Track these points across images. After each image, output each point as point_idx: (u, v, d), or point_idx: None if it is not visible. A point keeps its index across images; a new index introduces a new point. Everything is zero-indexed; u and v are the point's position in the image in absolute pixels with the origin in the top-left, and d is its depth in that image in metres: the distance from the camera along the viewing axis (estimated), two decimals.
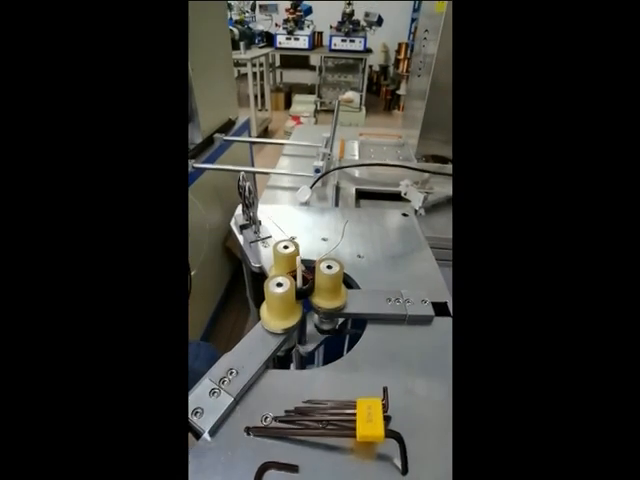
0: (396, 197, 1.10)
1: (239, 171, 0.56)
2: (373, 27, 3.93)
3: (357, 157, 1.35)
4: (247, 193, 0.55)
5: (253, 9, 4.11)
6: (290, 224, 0.68)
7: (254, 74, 3.51)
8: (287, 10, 4.01)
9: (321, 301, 0.44)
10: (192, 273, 1.15)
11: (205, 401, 0.34)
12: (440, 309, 0.49)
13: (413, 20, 4.80)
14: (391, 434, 0.31)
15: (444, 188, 1.07)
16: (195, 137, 1.29)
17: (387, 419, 0.35)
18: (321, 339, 0.51)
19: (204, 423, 0.33)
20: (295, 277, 0.43)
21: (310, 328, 0.50)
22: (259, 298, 0.45)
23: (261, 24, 4.05)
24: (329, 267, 0.43)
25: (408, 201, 1.03)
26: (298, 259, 0.43)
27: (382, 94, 5.06)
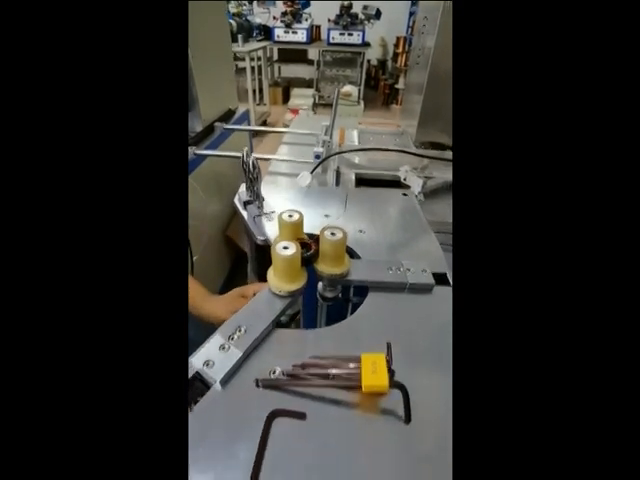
0: (395, 184, 1.11)
1: (240, 157, 0.56)
2: (371, 20, 3.91)
3: (357, 144, 1.36)
4: (251, 168, 0.56)
5: (251, 1, 4.08)
6: (292, 203, 0.69)
7: (252, 68, 3.50)
8: (285, 3, 3.99)
9: (325, 267, 0.46)
10: (194, 258, 1.16)
11: (215, 354, 0.36)
12: (440, 279, 0.50)
13: (411, 14, 4.79)
14: (395, 384, 0.33)
15: (443, 174, 1.09)
16: (196, 125, 1.29)
17: (390, 373, 0.36)
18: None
19: (215, 374, 0.34)
20: (301, 245, 0.44)
21: None
22: (263, 272, 0.46)
23: (259, 17, 4.02)
24: (333, 234, 0.45)
25: (407, 187, 1.04)
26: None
27: (380, 88, 5.05)
